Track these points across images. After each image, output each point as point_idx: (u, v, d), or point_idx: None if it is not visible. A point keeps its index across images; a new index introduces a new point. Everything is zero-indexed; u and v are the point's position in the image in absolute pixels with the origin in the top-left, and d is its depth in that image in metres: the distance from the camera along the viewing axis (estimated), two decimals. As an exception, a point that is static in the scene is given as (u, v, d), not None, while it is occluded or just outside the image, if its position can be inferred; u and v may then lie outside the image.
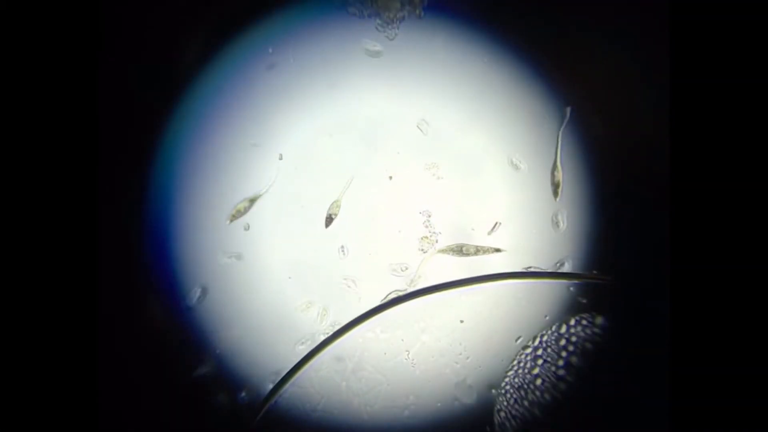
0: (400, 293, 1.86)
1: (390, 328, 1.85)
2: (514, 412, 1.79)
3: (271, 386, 1.84)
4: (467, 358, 1.84)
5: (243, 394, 1.86)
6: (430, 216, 1.89)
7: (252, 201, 1.80)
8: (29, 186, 1.30)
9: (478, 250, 1.78)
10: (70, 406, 1.27)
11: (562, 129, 1.75)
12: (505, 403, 1.81)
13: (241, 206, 1.82)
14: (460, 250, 1.82)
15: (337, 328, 1.85)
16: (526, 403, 1.79)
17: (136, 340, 1.81)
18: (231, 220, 1.83)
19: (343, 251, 1.85)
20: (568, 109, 1.71)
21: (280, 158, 1.88)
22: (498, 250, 1.79)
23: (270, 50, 1.84)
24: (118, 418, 1.67)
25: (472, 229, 1.88)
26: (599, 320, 1.79)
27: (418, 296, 1.85)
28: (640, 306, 1.77)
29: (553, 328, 1.81)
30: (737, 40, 1.30)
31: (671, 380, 1.26)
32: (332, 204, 1.81)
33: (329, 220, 1.78)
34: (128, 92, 1.76)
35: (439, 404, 1.85)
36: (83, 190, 1.34)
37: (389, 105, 1.88)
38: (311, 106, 1.88)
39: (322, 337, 1.84)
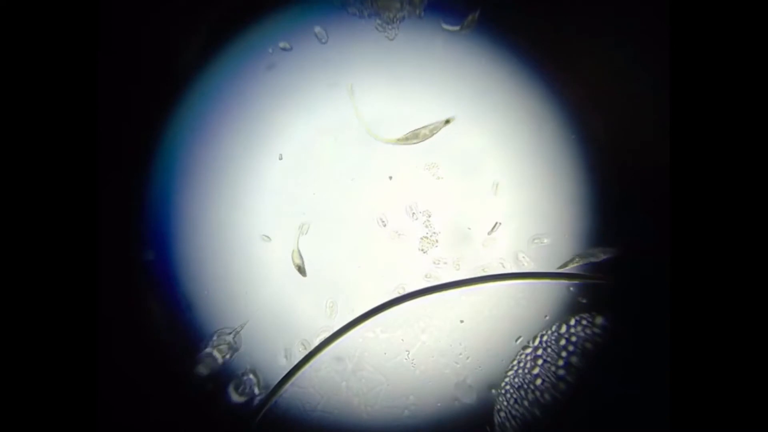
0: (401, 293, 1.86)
1: (390, 328, 1.85)
2: (514, 412, 1.79)
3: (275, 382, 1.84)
4: (467, 358, 1.84)
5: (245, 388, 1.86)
6: (430, 216, 1.89)
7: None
8: (29, 186, 1.30)
9: (432, 131, 1.72)
10: (70, 407, 1.26)
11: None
12: (505, 403, 1.81)
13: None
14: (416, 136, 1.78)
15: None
16: (526, 403, 1.79)
17: (136, 341, 1.80)
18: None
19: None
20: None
21: (280, 158, 1.88)
22: (448, 121, 1.73)
23: (270, 50, 1.84)
24: (117, 418, 1.67)
25: (469, 228, 1.89)
26: (599, 320, 1.79)
27: (419, 296, 1.85)
28: (640, 306, 1.77)
29: (553, 328, 1.81)
30: (738, 39, 1.30)
31: (671, 380, 1.26)
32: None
33: None
34: (127, 92, 1.76)
35: (439, 404, 1.85)
36: (83, 190, 1.34)
37: (389, 105, 1.88)
38: (311, 106, 1.88)
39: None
